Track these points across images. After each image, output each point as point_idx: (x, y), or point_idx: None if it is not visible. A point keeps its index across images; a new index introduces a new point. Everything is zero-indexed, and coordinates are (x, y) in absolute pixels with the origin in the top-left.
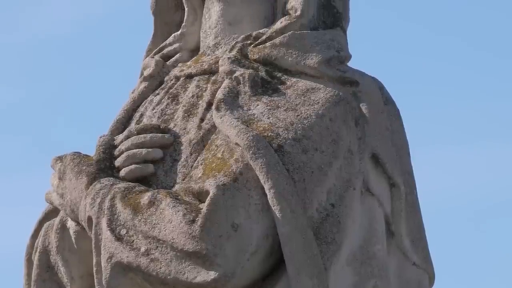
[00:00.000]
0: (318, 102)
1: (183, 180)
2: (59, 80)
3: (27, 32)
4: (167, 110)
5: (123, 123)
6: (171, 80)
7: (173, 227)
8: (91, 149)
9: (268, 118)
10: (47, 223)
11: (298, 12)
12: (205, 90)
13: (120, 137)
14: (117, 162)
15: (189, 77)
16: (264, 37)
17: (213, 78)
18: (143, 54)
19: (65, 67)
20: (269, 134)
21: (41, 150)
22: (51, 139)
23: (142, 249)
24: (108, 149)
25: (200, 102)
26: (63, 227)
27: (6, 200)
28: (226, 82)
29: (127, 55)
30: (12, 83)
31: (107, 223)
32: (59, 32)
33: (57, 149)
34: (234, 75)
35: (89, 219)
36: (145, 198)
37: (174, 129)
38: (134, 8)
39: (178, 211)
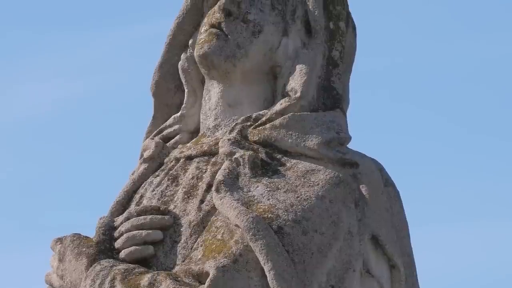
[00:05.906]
0: (318, 184)
1: (183, 261)
2: (42, 161)
3: (6, 113)
4: (167, 192)
5: (123, 205)
6: (171, 161)
7: None
8: (75, 230)
9: (268, 199)
10: None
11: (298, 94)
12: (205, 171)
13: (120, 218)
14: (117, 244)
15: (189, 158)
16: (264, 118)
17: (213, 159)
18: (143, 135)
19: (47, 148)
20: (269, 215)
21: (24, 231)
22: (33, 220)
23: None
24: (108, 231)
25: (200, 183)
26: None
27: None
28: (226, 163)
29: (108, 134)
30: None
31: None
32: (40, 112)
33: (41, 231)
34: (234, 156)
35: None
36: (145, 279)
37: (174, 210)
38: (116, 87)
39: None
